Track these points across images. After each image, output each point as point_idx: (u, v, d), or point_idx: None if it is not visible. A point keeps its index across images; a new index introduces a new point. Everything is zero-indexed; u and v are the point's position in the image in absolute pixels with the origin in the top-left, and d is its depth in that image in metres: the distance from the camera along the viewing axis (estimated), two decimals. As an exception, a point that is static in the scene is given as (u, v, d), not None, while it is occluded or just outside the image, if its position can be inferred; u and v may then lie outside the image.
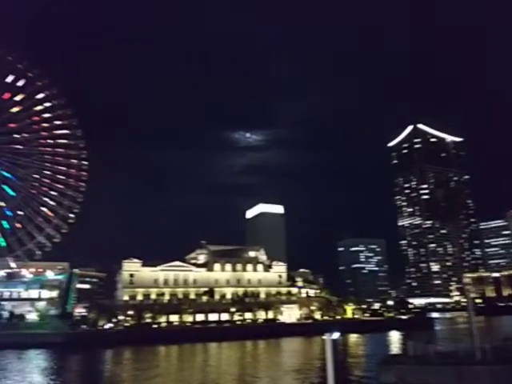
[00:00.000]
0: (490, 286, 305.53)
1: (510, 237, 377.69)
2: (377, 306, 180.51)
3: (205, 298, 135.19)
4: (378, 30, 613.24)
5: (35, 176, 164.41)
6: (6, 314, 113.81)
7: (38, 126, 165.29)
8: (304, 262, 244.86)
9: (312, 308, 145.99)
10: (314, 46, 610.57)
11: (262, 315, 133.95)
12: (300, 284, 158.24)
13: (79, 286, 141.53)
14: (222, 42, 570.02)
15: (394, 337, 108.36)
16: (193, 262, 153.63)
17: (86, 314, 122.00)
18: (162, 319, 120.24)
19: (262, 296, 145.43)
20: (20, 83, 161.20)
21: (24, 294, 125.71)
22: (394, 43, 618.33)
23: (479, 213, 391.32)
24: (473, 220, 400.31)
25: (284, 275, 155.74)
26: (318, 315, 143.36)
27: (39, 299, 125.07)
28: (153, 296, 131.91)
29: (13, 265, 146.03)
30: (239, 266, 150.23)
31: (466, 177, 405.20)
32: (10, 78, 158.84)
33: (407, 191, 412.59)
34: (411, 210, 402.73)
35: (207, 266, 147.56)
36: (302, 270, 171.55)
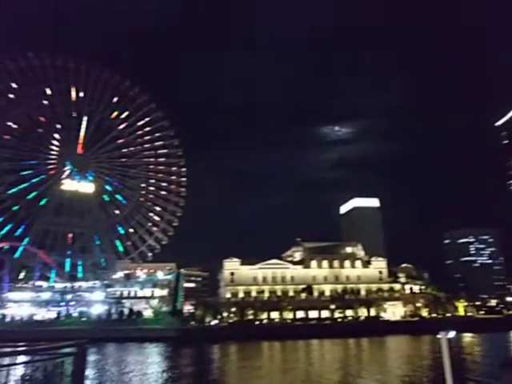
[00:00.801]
0: None
1: None
2: (493, 302, 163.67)
3: (303, 295, 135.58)
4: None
5: (142, 185, 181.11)
6: (125, 311, 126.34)
7: (141, 140, 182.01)
8: (406, 256, 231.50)
9: (418, 305, 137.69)
10: (398, 33, 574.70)
11: (363, 312, 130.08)
12: (403, 280, 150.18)
13: (186, 284, 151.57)
14: (310, 38, 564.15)
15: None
16: (289, 259, 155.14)
17: (193, 310, 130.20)
18: (263, 316, 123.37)
19: (363, 293, 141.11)
20: (123, 102, 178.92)
21: (140, 293, 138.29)
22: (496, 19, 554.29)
23: None
24: None
25: (385, 271, 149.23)
26: (424, 312, 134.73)
27: (152, 297, 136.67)
28: (253, 293, 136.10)
29: (129, 266, 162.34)
30: (336, 263, 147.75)
31: None
32: (115, 99, 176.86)
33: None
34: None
35: (304, 263, 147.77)
36: (404, 265, 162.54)
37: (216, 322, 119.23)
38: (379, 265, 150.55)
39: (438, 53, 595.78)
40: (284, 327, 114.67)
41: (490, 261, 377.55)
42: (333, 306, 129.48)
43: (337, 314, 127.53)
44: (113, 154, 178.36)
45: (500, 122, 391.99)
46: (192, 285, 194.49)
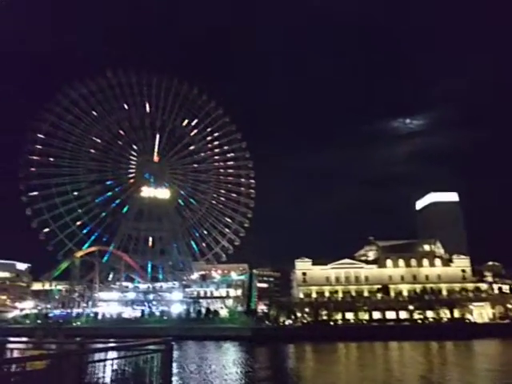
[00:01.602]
0: None
1: None
2: None
3: (379, 296, 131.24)
4: None
5: (213, 189, 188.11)
6: (203, 310, 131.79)
7: (210, 145, 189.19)
8: (491, 253, 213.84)
9: (508, 306, 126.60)
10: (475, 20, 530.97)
11: (445, 314, 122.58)
12: (490, 279, 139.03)
13: (258, 284, 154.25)
14: (370, 27, 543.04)
15: None
16: (362, 258, 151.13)
17: (266, 310, 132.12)
18: (338, 316, 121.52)
19: (444, 293, 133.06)
20: (193, 110, 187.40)
21: (215, 293, 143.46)
22: None
23: None
24: None
25: (468, 269, 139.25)
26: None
27: (227, 297, 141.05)
28: (326, 294, 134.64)
29: (205, 267, 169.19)
30: (414, 261, 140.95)
31: None
32: (185, 107, 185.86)
33: None
34: None
35: (378, 262, 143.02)
36: (490, 263, 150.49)
37: (290, 321, 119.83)
38: (462, 263, 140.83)
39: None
40: (360, 328, 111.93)
41: None
42: (411, 307, 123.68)
43: (416, 315, 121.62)
44: (185, 160, 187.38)
45: None
46: (264, 285, 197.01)
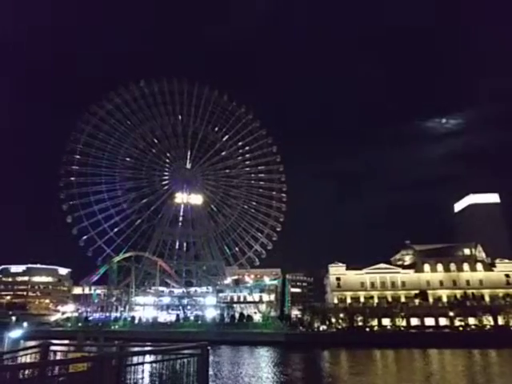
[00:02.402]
0: None
1: None
2: None
3: (417, 301, 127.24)
4: None
5: (245, 193, 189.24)
6: (236, 315, 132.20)
7: (242, 150, 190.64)
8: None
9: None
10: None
11: (489, 321, 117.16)
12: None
13: (292, 289, 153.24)
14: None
15: None
16: (398, 263, 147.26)
17: (300, 316, 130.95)
18: (374, 322, 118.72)
19: (487, 299, 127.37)
20: (224, 116, 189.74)
21: (249, 298, 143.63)
22: None
23: None
24: None
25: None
26: None
27: (260, 302, 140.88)
28: (361, 299, 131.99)
29: (238, 272, 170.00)
30: (453, 266, 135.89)
31: None
32: (216, 113, 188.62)
33: None
34: None
35: (415, 266, 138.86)
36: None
37: (324, 327, 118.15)
38: (505, 267, 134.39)
39: None
40: (397, 335, 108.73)
41: None
42: (452, 313, 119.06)
43: (457, 322, 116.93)
44: (217, 166, 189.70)
45: None
46: (298, 290, 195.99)
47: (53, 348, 14.56)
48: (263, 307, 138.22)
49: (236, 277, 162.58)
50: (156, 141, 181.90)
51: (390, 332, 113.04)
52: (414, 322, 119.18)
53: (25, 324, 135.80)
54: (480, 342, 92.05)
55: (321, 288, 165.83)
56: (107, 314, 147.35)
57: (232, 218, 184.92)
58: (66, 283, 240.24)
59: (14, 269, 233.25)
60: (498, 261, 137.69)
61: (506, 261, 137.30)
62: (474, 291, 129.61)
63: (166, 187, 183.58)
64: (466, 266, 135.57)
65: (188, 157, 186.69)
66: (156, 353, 12.12)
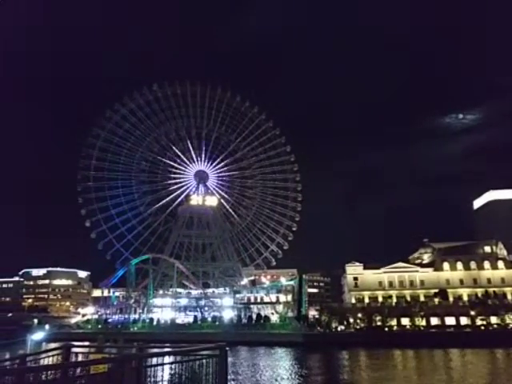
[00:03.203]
0: None
1: None
2: None
3: (436, 300, 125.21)
4: None
5: (260, 194, 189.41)
6: (253, 316, 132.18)
7: (256, 151, 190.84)
8: None
9: None
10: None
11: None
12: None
13: (309, 290, 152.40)
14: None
15: None
16: (417, 262, 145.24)
17: (318, 316, 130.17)
18: (393, 322, 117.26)
19: (509, 297, 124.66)
20: (237, 117, 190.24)
21: (265, 298, 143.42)
22: None
23: None
24: None
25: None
26: None
27: (278, 302, 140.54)
28: (379, 298, 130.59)
29: (254, 273, 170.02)
30: (473, 264, 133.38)
31: None
32: (229, 114, 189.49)
33: None
34: None
35: (434, 265, 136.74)
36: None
37: (342, 327, 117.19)
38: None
39: None
40: (417, 334, 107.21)
41: None
42: (473, 312, 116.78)
43: (479, 321, 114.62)
44: (231, 167, 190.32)
45: None
46: (315, 290, 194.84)
47: (74, 350, 14.82)
48: (280, 308, 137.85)
49: (252, 277, 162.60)
50: (170, 144, 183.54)
51: (409, 332, 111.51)
52: (434, 321, 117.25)
53: (46, 326, 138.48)
54: (503, 342, 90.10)
55: (338, 288, 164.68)
56: (126, 316, 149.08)
57: (247, 219, 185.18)
58: (86, 286, 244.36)
59: (35, 272, 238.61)
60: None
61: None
62: (496, 289, 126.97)
63: (181, 189, 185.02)
64: (486, 264, 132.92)
65: (202, 159, 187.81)
66: (175, 354, 12.19)
